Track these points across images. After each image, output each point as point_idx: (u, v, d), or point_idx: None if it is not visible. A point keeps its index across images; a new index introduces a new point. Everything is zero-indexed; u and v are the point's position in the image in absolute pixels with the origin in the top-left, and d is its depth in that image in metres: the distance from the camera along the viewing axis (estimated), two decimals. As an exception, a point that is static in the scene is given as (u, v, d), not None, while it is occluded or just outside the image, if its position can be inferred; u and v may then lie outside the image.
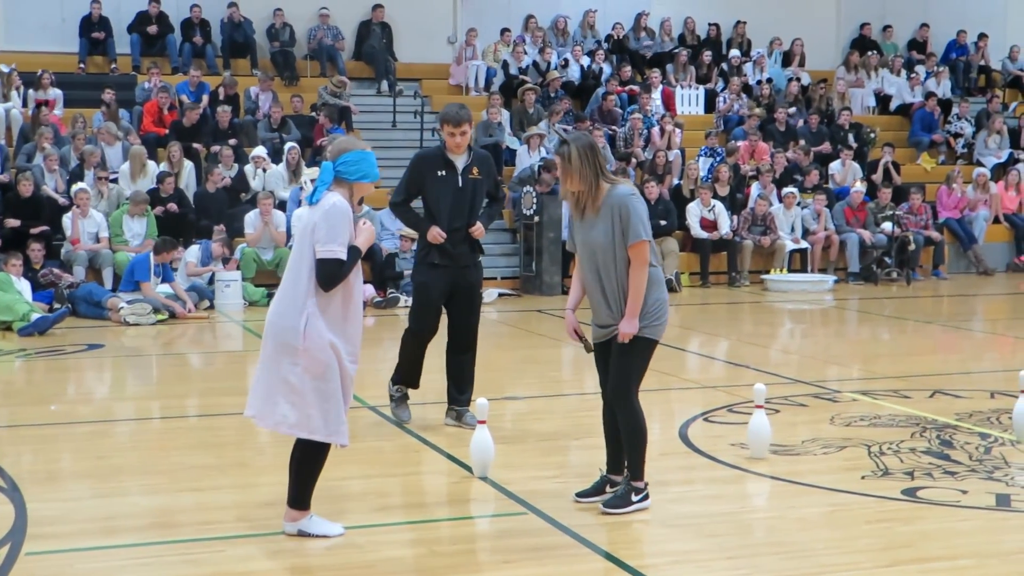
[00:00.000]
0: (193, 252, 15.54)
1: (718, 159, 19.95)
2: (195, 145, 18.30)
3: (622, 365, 6.19)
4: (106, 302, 14.20)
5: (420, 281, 8.19)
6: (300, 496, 5.80)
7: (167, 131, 18.56)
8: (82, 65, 20.84)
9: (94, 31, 20.97)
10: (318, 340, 5.56)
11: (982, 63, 25.38)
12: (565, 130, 19.58)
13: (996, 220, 20.88)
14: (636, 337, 6.14)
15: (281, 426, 5.67)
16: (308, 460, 5.74)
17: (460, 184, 8.03)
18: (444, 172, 8.03)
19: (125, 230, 15.90)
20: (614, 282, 6.14)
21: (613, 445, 6.43)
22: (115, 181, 16.99)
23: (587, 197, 6.17)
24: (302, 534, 5.76)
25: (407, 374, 8.34)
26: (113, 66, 20.96)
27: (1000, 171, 21.80)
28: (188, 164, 17.68)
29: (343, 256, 5.57)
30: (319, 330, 5.56)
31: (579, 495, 6.44)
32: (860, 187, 19.48)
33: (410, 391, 8.44)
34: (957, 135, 22.89)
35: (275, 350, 5.64)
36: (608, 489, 6.40)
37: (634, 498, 6.23)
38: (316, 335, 5.55)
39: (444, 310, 8.24)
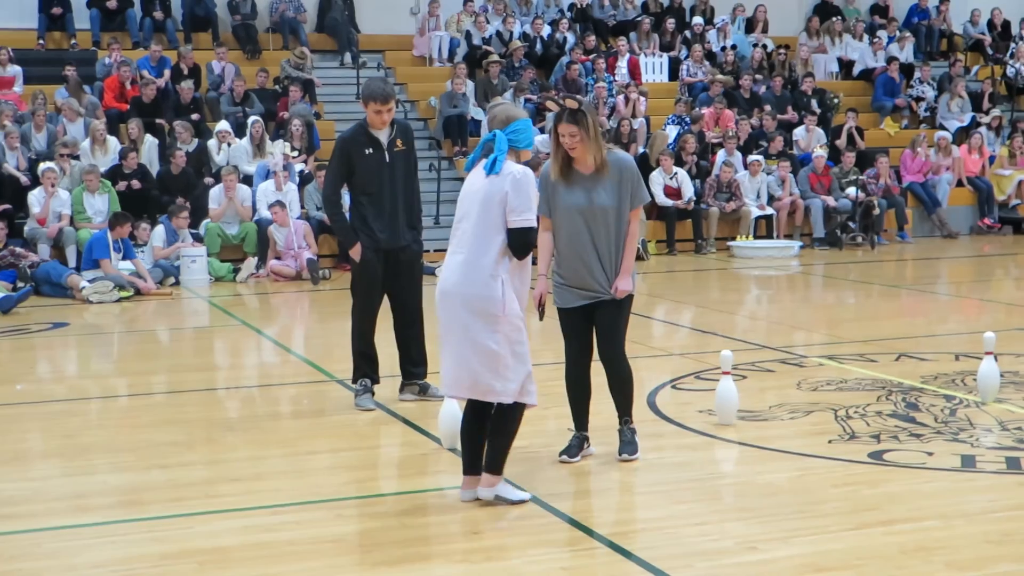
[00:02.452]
0: (159, 235, 15.38)
1: (685, 127, 19.93)
2: (157, 121, 18.14)
3: (617, 323, 6.45)
4: (66, 280, 14.09)
5: (362, 259, 7.98)
6: (497, 460, 5.85)
7: (129, 107, 18.39)
8: (41, 41, 20.60)
9: (53, 6, 20.71)
10: (514, 306, 5.72)
11: (943, 27, 25.46)
12: (558, 92, 19.45)
13: (959, 183, 21.00)
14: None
15: (488, 394, 5.73)
16: (506, 423, 5.81)
17: (388, 159, 7.89)
18: (371, 150, 7.87)
19: (87, 207, 15.74)
20: (612, 245, 6.32)
21: (581, 405, 6.64)
22: (77, 158, 16.82)
23: (599, 160, 6.29)
24: (499, 499, 5.82)
25: (364, 365, 8.15)
26: (73, 42, 20.74)
27: (963, 135, 21.91)
28: (150, 140, 17.51)
29: (535, 223, 5.80)
30: (512, 297, 5.72)
31: (564, 453, 6.63)
32: (821, 152, 19.53)
33: (375, 382, 8.27)
34: (919, 99, 22.97)
35: (468, 320, 5.69)
36: (587, 446, 6.64)
37: (637, 439, 6.64)
38: (512, 301, 5.71)
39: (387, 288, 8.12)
